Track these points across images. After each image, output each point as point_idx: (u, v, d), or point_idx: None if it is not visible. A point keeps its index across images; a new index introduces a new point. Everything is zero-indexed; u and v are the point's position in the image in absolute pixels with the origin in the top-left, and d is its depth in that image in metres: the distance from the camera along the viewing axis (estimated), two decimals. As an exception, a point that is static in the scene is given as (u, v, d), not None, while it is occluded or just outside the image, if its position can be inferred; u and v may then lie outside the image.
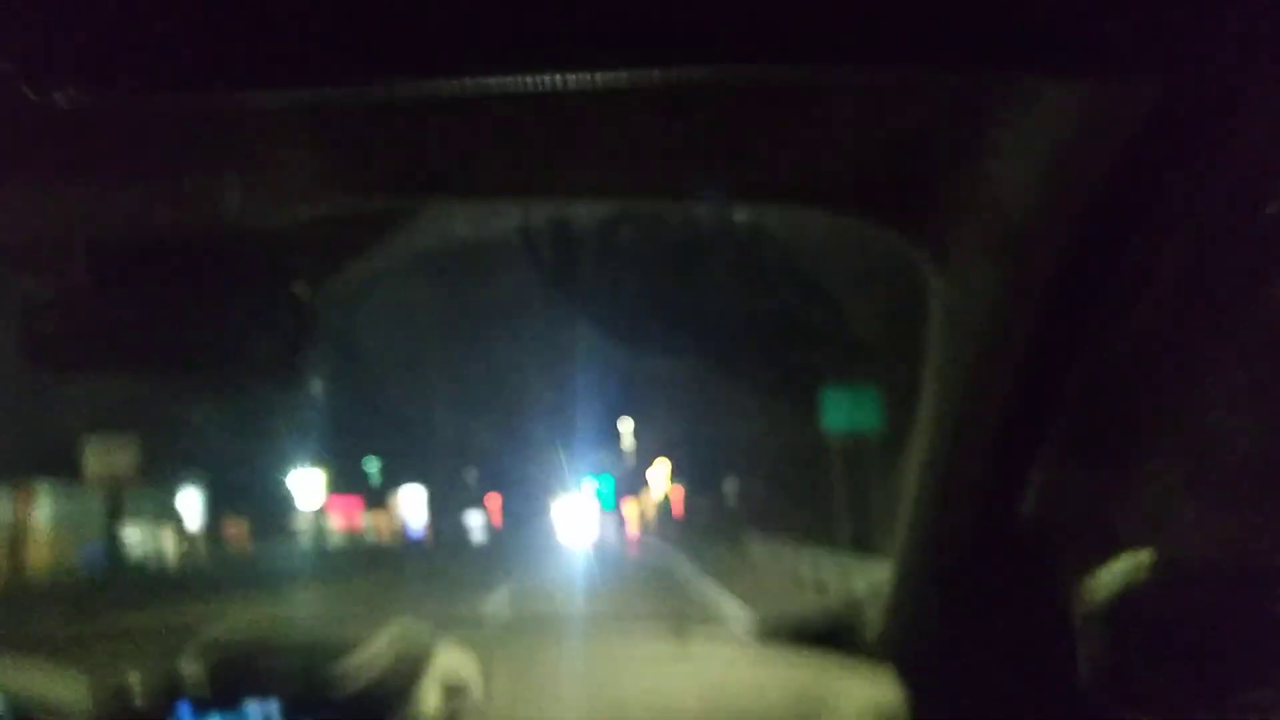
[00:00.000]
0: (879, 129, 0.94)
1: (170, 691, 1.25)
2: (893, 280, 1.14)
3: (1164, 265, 0.91)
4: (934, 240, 1.00)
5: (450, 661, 1.31)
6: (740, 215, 1.21)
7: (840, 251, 1.27)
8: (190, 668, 1.28)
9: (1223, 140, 0.82)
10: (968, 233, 0.96)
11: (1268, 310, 0.92)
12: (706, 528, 28.00)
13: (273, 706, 1.24)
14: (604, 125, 0.91)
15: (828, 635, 1.34)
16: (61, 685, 1.32)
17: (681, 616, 1.62)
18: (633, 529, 38.10)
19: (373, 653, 1.32)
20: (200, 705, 1.25)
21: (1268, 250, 0.88)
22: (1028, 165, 0.89)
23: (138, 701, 1.25)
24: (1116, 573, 1.06)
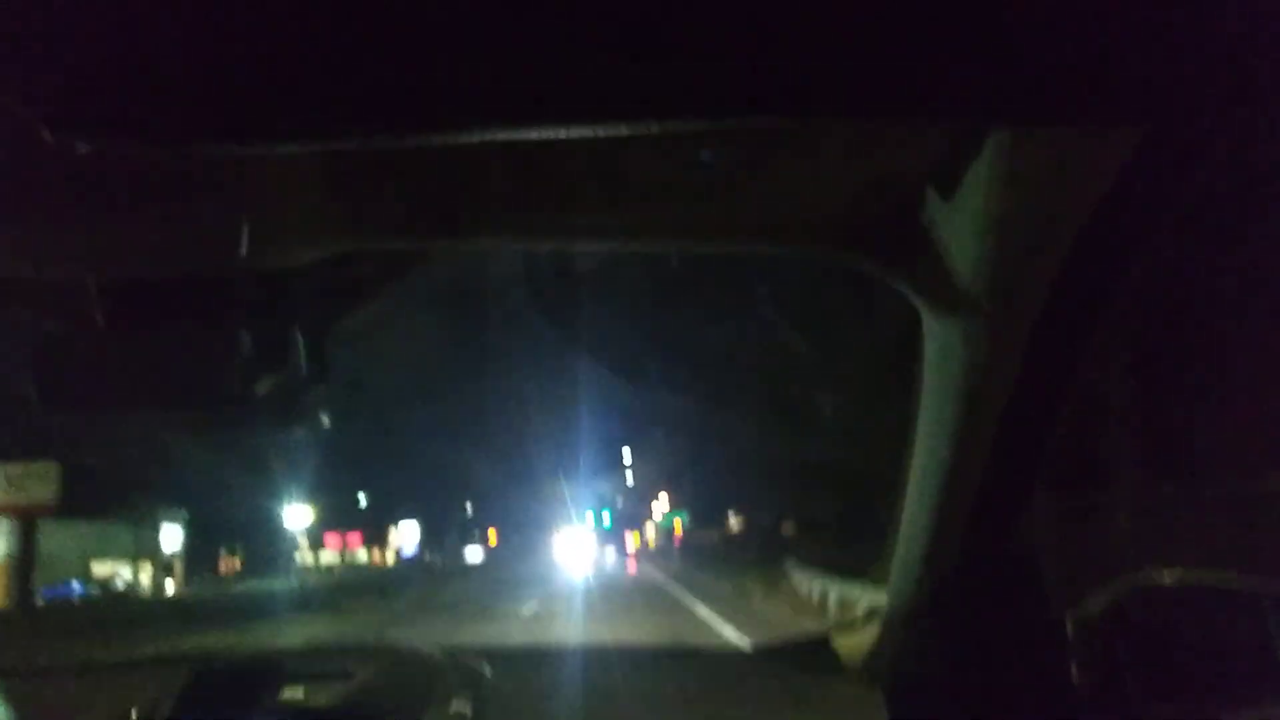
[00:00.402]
0: (869, 172, 0.97)
1: (173, 712, 1.25)
2: (886, 315, 1.17)
3: (1149, 302, 0.94)
4: (923, 279, 1.03)
5: (450, 686, 1.32)
6: (736, 254, 1.24)
7: (834, 289, 1.30)
8: (186, 693, 1.29)
9: (1204, 184, 0.85)
10: (956, 272, 0.99)
11: (1247, 347, 0.94)
12: (708, 557, 27.93)
13: None
14: (603, 172, 0.94)
15: (822, 658, 1.35)
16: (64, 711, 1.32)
17: (679, 641, 1.64)
18: (633, 559, 37.84)
19: (372, 677, 1.33)
20: None
21: (1248, 291, 0.91)
22: (1013, 208, 0.91)
23: None
24: (1107, 595, 1.09)
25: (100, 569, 25.91)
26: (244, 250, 0.96)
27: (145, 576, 27.34)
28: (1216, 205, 0.87)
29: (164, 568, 28.22)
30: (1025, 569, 1.13)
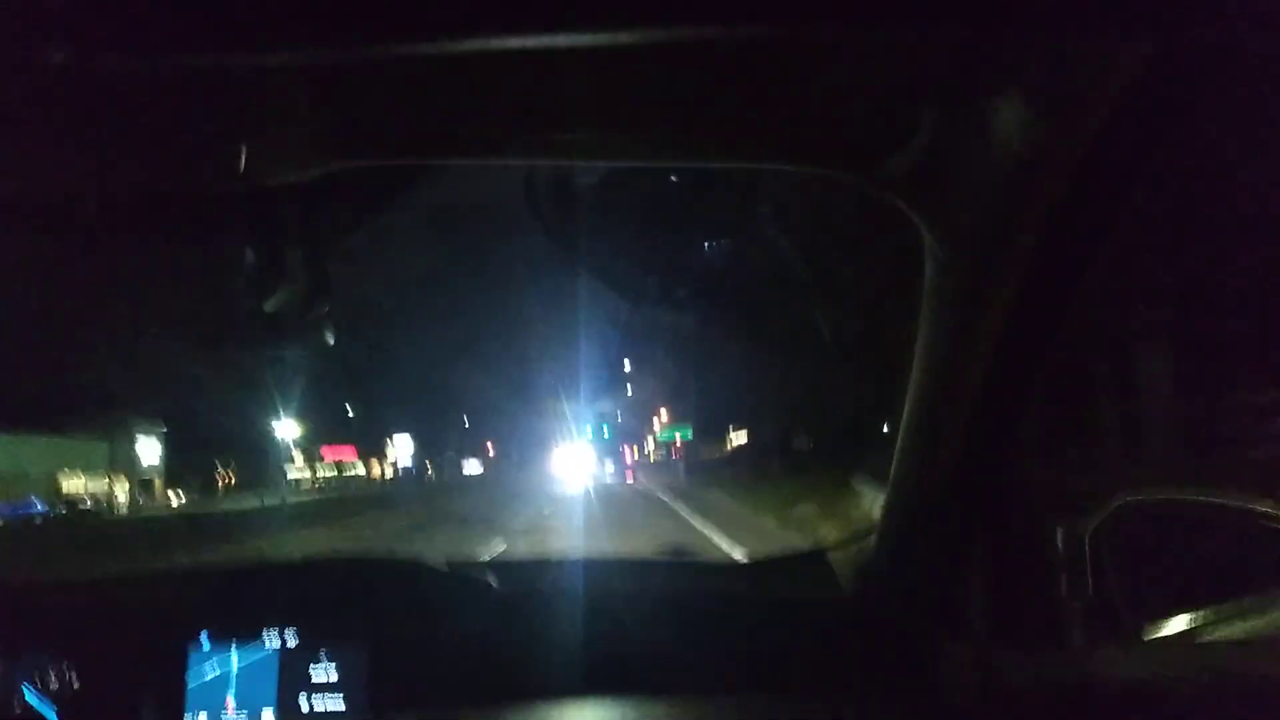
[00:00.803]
0: (873, 88, 0.97)
1: (189, 623, 1.32)
2: (887, 236, 1.19)
3: (1155, 226, 0.96)
4: (927, 199, 1.04)
5: (456, 597, 1.39)
6: (738, 172, 1.25)
7: (836, 208, 1.32)
8: (207, 599, 1.36)
9: (1215, 102, 0.86)
10: (960, 192, 1.00)
11: (1253, 280, 0.97)
12: (705, 472, 28.38)
13: (290, 633, 1.31)
14: (602, 86, 0.94)
15: (816, 571, 1.43)
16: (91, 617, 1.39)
17: (675, 551, 1.74)
18: (630, 473, 38.52)
19: (390, 586, 1.40)
20: (218, 633, 1.32)
21: (1258, 212, 0.93)
22: (1020, 125, 0.92)
23: (157, 635, 1.33)
24: (1096, 511, 1.15)
25: (72, 485, 25.04)
26: (243, 166, 0.98)
27: (122, 493, 26.75)
28: (1224, 124, 0.88)
29: (141, 483, 27.51)
30: (1018, 485, 1.19)
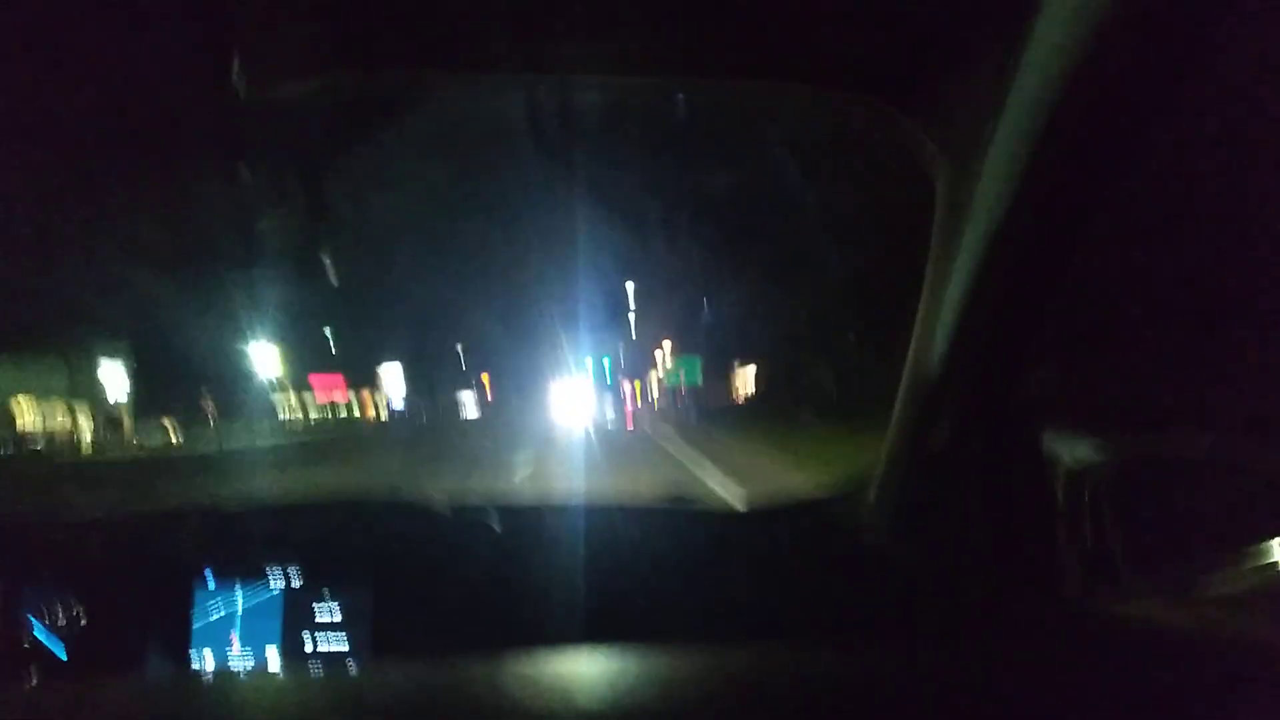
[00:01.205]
0: (887, 11, 0.98)
1: (195, 561, 1.39)
2: (897, 165, 1.21)
3: (1167, 162, 0.98)
4: (940, 127, 1.06)
5: (464, 533, 1.46)
6: (748, 95, 1.26)
7: (846, 134, 1.33)
8: (213, 537, 1.42)
9: (1230, 37, 0.86)
10: (974, 120, 1.02)
11: (1262, 220, 0.99)
12: (711, 409, 28.38)
13: (293, 570, 1.38)
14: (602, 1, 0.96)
15: (819, 517, 1.49)
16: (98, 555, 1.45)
17: (676, 497, 1.80)
18: (632, 407, 38.66)
19: (393, 524, 1.46)
20: (223, 572, 1.39)
21: (1269, 153, 0.96)
22: (1035, 54, 0.93)
23: (164, 573, 1.39)
24: (1099, 460, 1.19)
25: (28, 418, 23.47)
26: (236, 80, 1.00)
27: (86, 427, 25.34)
28: (1241, 62, 0.89)
29: (107, 418, 26.10)
30: (1022, 432, 1.23)
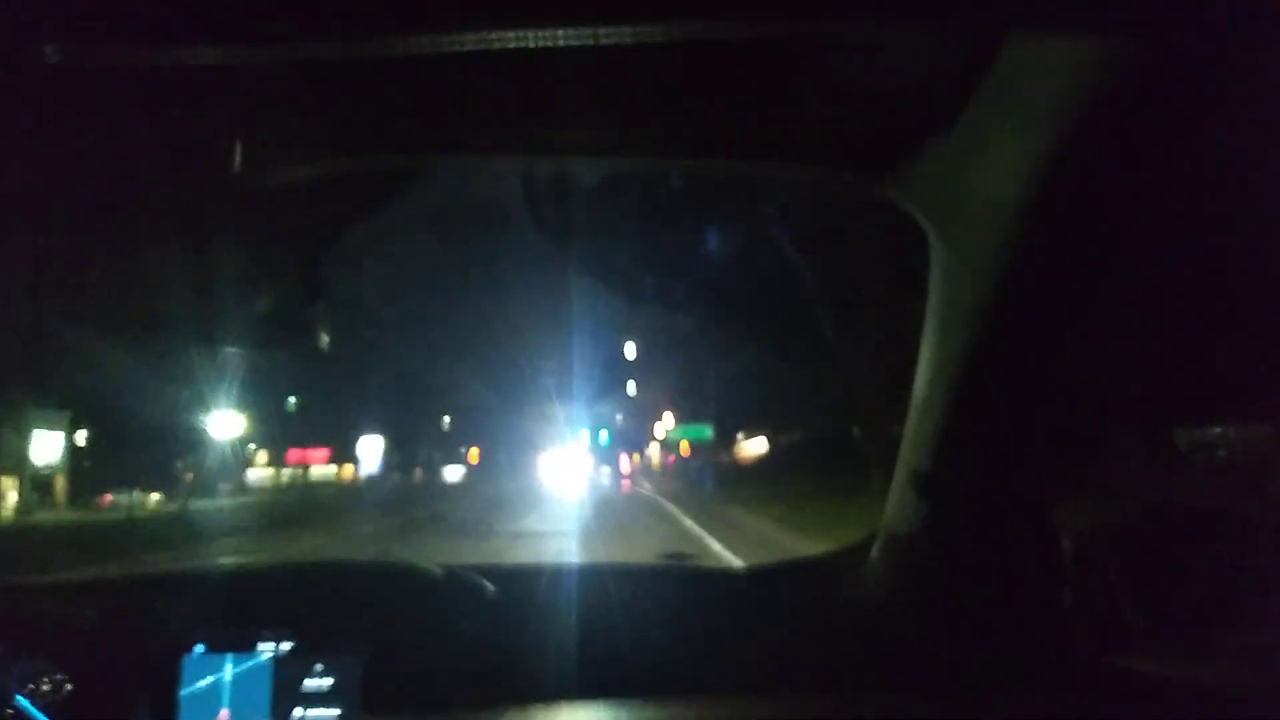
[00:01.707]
0: (878, 88, 1.07)
1: (183, 630, 1.43)
2: (892, 238, 1.30)
3: (1159, 229, 1.06)
4: (931, 200, 1.15)
5: (457, 600, 1.51)
6: (743, 172, 1.36)
7: (835, 206, 1.43)
8: (201, 605, 1.47)
9: (1218, 104, 0.93)
10: (965, 193, 1.10)
11: (1259, 277, 1.07)
12: (709, 479, 28.16)
13: (285, 641, 1.43)
14: (602, 83, 1.04)
15: (819, 579, 1.54)
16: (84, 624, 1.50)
17: (672, 557, 1.88)
18: (628, 480, 38.38)
19: (385, 592, 1.51)
20: (211, 640, 1.43)
21: (1261, 216, 1.03)
22: (1024, 126, 1.01)
23: (151, 642, 1.44)
24: (1104, 521, 1.25)
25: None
26: (237, 167, 1.09)
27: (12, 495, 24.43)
28: (1220, 127, 0.97)
29: (34, 484, 25.06)
30: (1025, 495, 1.29)
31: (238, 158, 1.09)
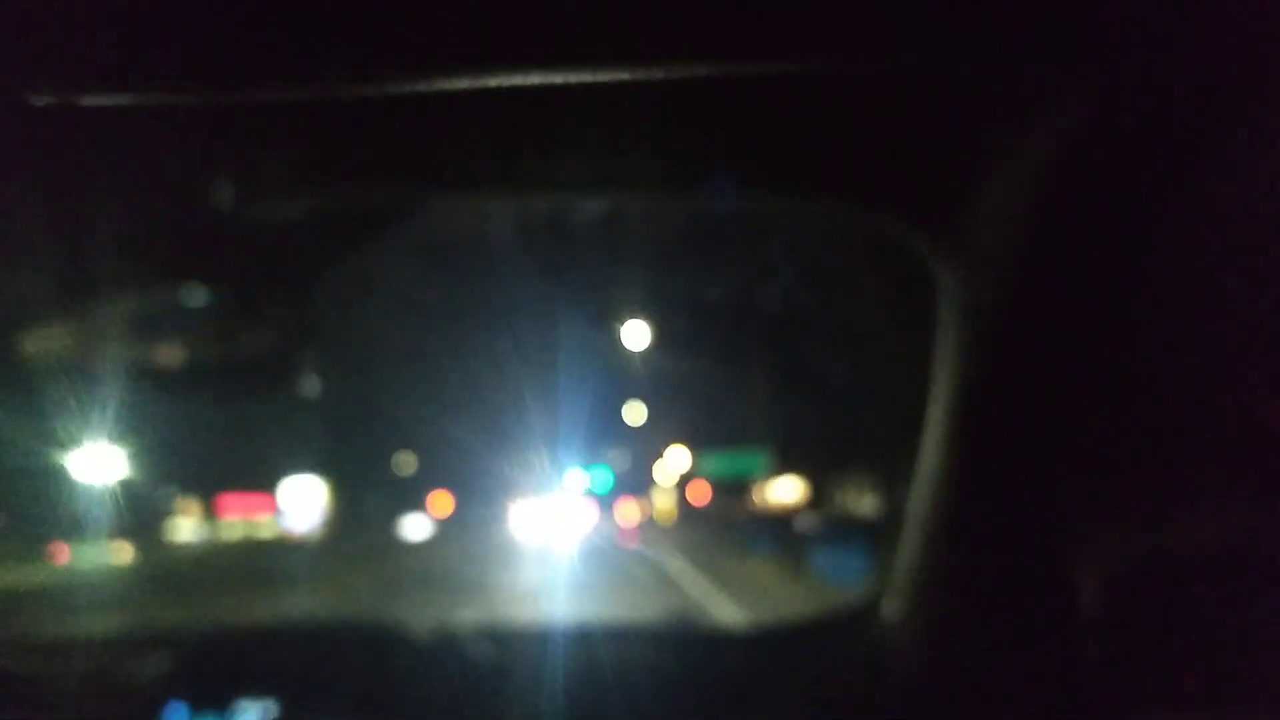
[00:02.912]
0: (892, 127, 1.22)
1: (163, 692, 1.59)
2: (904, 275, 1.46)
3: (1174, 265, 1.21)
4: (944, 237, 1.30)
5: (443, 664, 1.67)
6: (748, 208, 1.53)
7: (851, 245, 1.60)
8: (182, 667, 1.62)
9: (1228, 138, 1.09)
10: (978, 230, 1.25)
11: (1269, 312, 1.21)
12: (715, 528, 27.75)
13: (269, 705, 1.58)
14: (603, 121, 1.19)
15: (823, 637, 1.71)
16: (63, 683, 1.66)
17: (669, 618, 2.05)
18: (630, 529, 37.78)
19: (364, 657, 1.67)
20: (194, 706, 1.59)
21: (1270, 247, 1.18)
22: (1036, 164, 1.17)
23: (130, 705, 1.59)
24: (1123, 569, 1.38)
25: None
26: (228, 203, 1.25)
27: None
28: (1247, 159, 1.10)
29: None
30: (1042, 540, 1.44)
31: (229, 193, 1.24)
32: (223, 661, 1.73)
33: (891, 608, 1.59)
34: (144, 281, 1.32)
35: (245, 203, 1.24)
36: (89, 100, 1.02)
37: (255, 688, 1.62)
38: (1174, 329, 1.24)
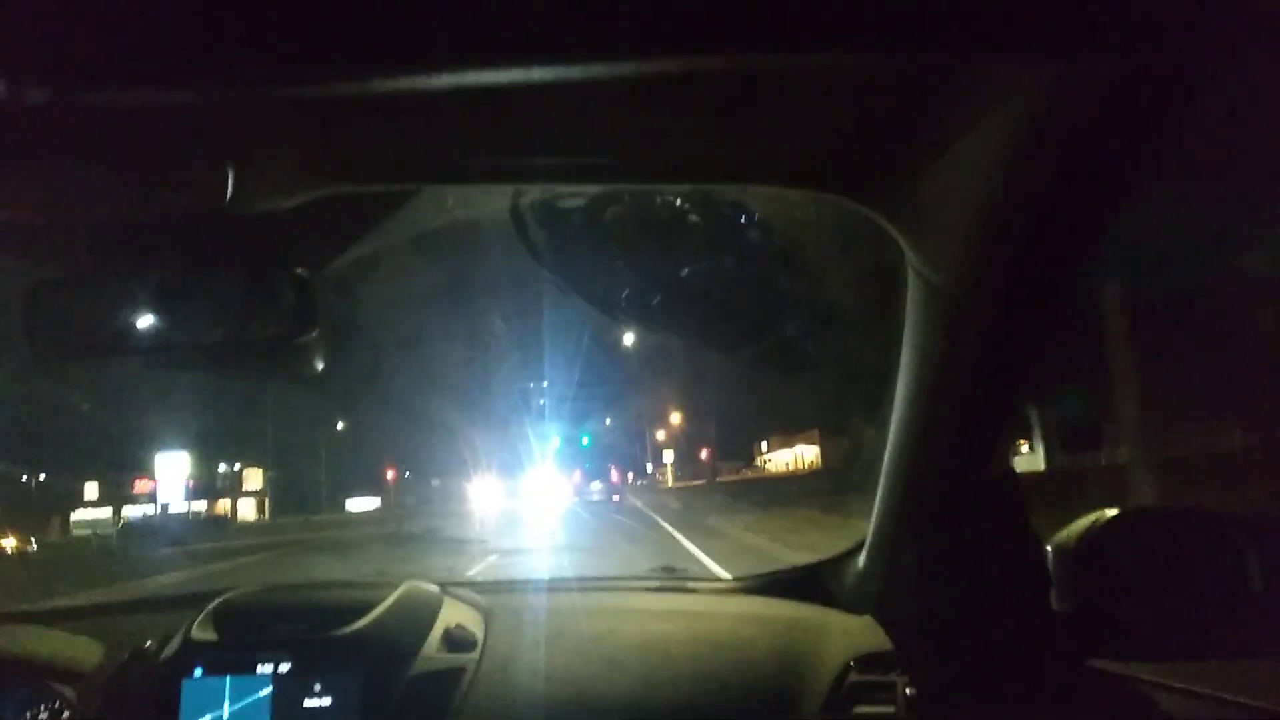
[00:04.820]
0: (856, 113, 1.33)
1: (182, 653, 1.73)
2: (873, 256, 1.63)
3: (1129, 244, 1.35)
4: (910, 220, 1.44)
5: (454, 617, 1.85)
6: (725, 195, 1.69)
7: (822, 229, 1.77)
8: (202, 630, 1.77)
9: (1185, 123, 1.17)
10: (942, 213, 1.39)
11: (1225, 289, 1.39)
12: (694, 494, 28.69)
13: (284, 662, 1.74)
14: (591, 114, 1.30)
15: (807, 588, 1.94)
16: (78, 649, 1.81)
17: (663, 571, 2.29)
18: (616, 493, 39.15)
19: (382, 610, 1.84)
20: (213, 665, 1.74)
21: (1228, 230, 1.35)
22: (998, 148, 1.27)
23: (151, 666, 1.74)
24: (1086, 522, 1.54)
25: None
26: (229, 195, 1.36)
27: None
28: (1203, 145, 1.21)
29: None
30: (1006, 497, 1.62)
31: (229, 187, 1.34)
32: (242, 621, 1.88)
33: (866, 559, 1.80)
34: (134, 276, 1.44)
35: (247, 195, 1.33)
36: (82, 101, 1.07)
37: (271, 645, 1.78)
38: (1128, 322, 1.41)
